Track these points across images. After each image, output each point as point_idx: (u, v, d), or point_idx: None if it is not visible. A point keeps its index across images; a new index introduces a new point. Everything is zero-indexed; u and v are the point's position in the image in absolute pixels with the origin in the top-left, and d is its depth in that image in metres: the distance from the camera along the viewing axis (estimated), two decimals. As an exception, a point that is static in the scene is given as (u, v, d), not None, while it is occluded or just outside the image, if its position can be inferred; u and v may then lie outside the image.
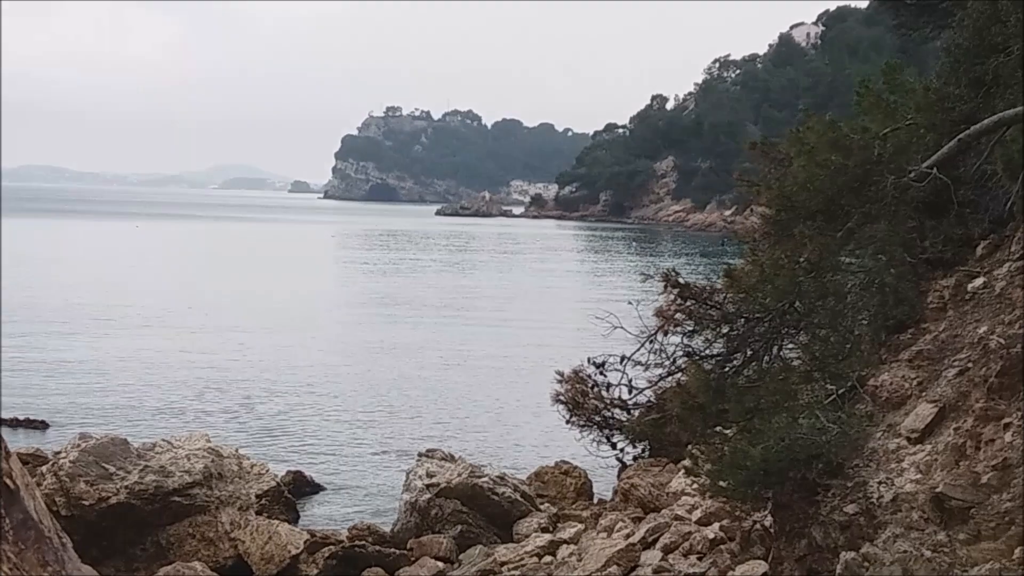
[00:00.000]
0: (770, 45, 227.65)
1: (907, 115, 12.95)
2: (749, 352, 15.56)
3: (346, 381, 40.36)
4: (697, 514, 17.49)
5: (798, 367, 13.52)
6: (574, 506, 23.09)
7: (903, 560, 9.42)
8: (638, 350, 20.36)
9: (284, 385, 38.96)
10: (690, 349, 18.06)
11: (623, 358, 21.31)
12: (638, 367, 20.81)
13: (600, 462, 24.18)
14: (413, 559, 20.27)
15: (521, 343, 50.86)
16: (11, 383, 35.92)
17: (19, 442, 27.65)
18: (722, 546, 15.68)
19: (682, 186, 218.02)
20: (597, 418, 22.83)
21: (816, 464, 10.64)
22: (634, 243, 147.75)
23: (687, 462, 14.51)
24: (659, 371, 20.40)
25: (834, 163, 12.47)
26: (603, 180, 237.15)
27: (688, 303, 18.19)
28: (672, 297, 18.74)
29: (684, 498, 18.89)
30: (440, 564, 19.94)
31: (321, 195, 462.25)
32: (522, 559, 19.12)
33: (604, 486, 24.84)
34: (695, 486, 15.66)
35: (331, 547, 20.40)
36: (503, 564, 19.15)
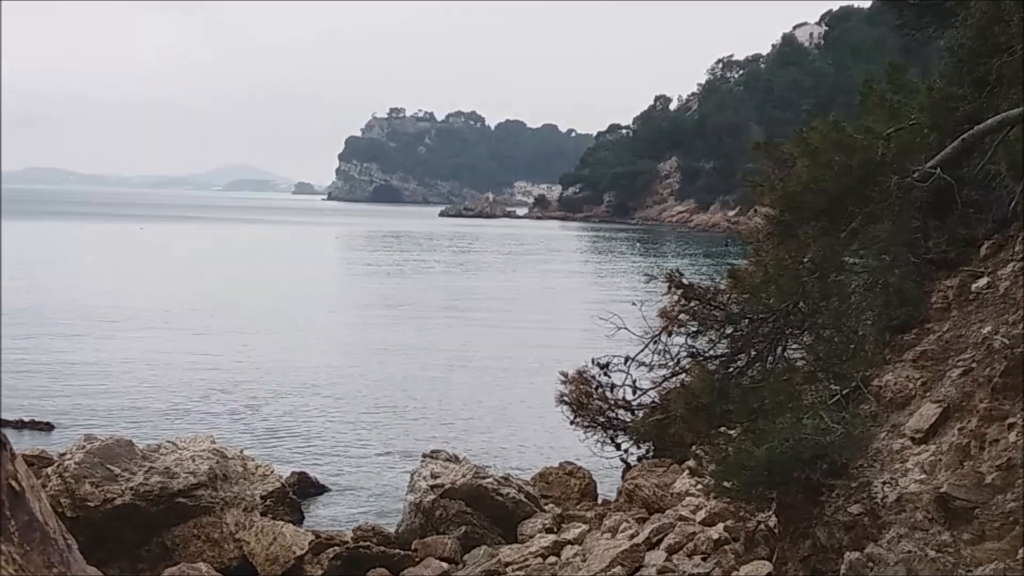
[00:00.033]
0: (773, 45, 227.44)
1: (911, 115, 12.94)
2: (753, 353, 15.56)
3: (350, 382, 40.37)
4: (701, 515, 17.50)
5: (802, 367, 13.52)
6: (578, 507, 23.10)
7: (907, 560, 9.42)
8: (642, 351, 20.34)
9: (289, 386, 38.98)
10: (694, 350, 18.06)
11: (627, 359, 21.30)
12: (642, 368, 20.79)
13: (604, 463, 24.16)
14: (417, 560, 20.28)
15: (525, 344, 50.85)
16: (16, 385, 35.98)
17: (24, 444, 27.70)
18: (726, 546, 15.69)
19: (686, 187, 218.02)
20: (601, 419, 22.81)
21: (820, 464, 10.64)
22: (638, 244, 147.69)
23: (691, 463, 14.55)
24: (663, 372, 20.38)
25: (838, 163, 12.47)
26: (607, 181, 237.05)
27: (692, 304, 18.19)
28: (676, 298, 18.73)
29: (688, 499, 18.90)
30: (444, 565, 19.96)
31: (325, 196, 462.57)
32: (526, 560, 19.13)
33: (608, 487, 24.86)
34: (699, 487, 15.67)
35: (336, 548, 20.42)
36: (507, 565, 19.16)
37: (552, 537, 19.99)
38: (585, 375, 22.90)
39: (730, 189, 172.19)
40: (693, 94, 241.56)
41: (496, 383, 40.97)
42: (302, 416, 34.53)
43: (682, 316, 18.54)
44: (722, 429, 13.75)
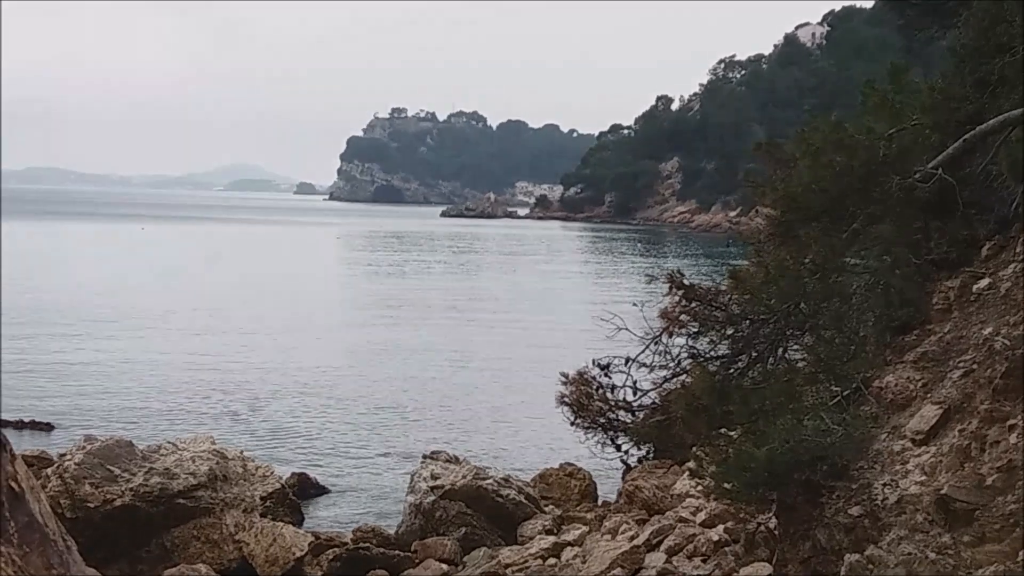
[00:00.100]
0: (775, 45, 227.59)
1: (912, 115, 12.91)
2: (754, 354, 15.58)
3: (351, 382, 40.34)
4: (701, 516, 17.47)
5: (803, 368, 13.51)
6: (578, 508, 23.06)
7: (907, 562, 9.39)
8: (643, 352, 20.39)
9: (289, 387, 38.95)
10: (695, 351, 18.10)
11: (628, 360, 21.34)
12: (643, 369, 20.83)
13: (605, 464, 24.18)
14: (417, 561, 20.25)
15: (526, 344, 50.84)
16: (16, 385, 35.97)
17: (24, 444, 27.66)
18: (726, 548, 15.65)
19: (687, 187, 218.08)
20: (602, 420, 22.84)
21: (821, 466, 10.62)
22: (639, 244, 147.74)
23: (692, 464, 14.55)
24: (664, 373, 20.43)
25: (839, 164, 12.45)
26: (608, 181, 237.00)
27: (693, 305, 18.22)
28: (677, 298, 18.77)
29: (688, 500, 18.87)
30: (444, 566, 19.93)
31: (326, 196, 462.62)
32: (526, 561, 19.10)
33: (609, 488, 24.82)
34: (699, 488, 15.68)
35: (335, 549, 20.39)
36: (507, 566, 19.12)
37: (552, 539, 19.96)
38: (586, 376, 22.93)
39: (731, 189, 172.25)
40: (695, 94, 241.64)
41: (496, 384, 40.93)
42: (302, 417, 34.50)
43: (683, 317, 18.57)
44: (723, 430, 13.75)
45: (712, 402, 14.25)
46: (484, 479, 22.09)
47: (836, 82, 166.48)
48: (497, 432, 33.32)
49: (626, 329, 20.97)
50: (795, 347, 15.10)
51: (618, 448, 23.32)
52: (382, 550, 20.43)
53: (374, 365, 44.65)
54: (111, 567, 18.96)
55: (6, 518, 6.64)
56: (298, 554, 20.10)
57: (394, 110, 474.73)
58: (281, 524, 21.20)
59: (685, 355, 18.86)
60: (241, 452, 23.40)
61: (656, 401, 21.50)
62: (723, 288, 17.30)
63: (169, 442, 22.32)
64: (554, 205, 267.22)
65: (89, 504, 19.73)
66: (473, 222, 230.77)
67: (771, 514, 13.21)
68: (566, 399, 22.95)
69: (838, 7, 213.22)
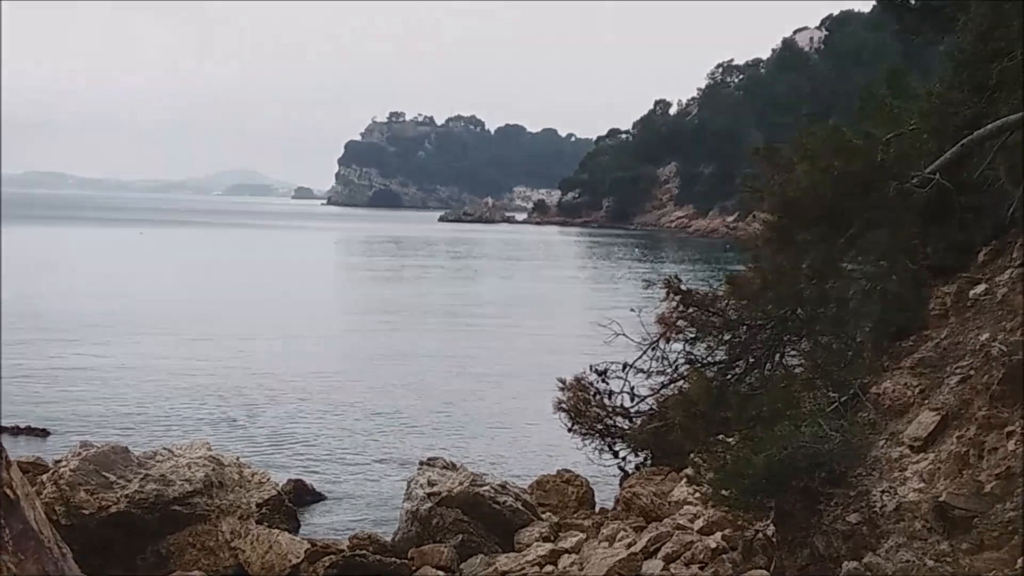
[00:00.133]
0: (773, 50, 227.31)
1: (910, 120, 12.92)
2: (751, 359, 15.55)
3: (347, 389, 40.27)
4: (699, 523, 17.43)
5: (800, 374, 13.49)
6: (576, 515, 23.01)
7: (906, 570, 9.35)
8: (640, 357, 20.34)
9: (285, 393, 38.88)
10: (692, 356, 18.05)
11: (625, 365, 21.28)
12: (640, 374, 20.79)
13: (602, 471, 24.12)
14: (414, 568, 20.21)
15: (523, 350, 50.81)
16: (12, 391, 35.93)
17: (20, 450, 27.60)
18: (724, 555, 15.61)
19: (685, 192, 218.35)
20: (599, 426, 22.79)
21: (819, 473, 10.59)
22: (636, 249, 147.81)
23: (689, 471, 14.49)
24: (661, 379, 20.38)
25: (837, 169, 12.44)
26: (606, 186, 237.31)
27: (690, 310, 18.18)
28: (674, 304, 18.72)
29: (686, 507, 18.83)
30: (441, 573, 19.90)
31: (324, 201, 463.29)
32: (523, 568, 19.06)
33: (606, 495, 24.77)
34: (697, 495, 15.63)
35: (331, 556, 20.33)
36: (504, 573, 19.09)
37: (549, 546, 19.91)
38: (583, 382, 22.88)
39: (729, 194, 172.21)
40: (693, 99, 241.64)
41: (493, 390, 40.89)
42: (299, 423, 34.45)
43: (680, 323, 18.53)
44: (720, 437, 13.72)
45: (710, 408, 14.22)
46: (481, 486, 22.04)
47: (834, 87, 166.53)
48: (494, 438, 33.28)
49: (623, 335, 20.93)
50: (792, 353, 15.08)
51: (615, 455, 23.27)
52: (378, 557, 20.38)
53: (371, 371, 44.60)
54: (106, 574, 18.90)
55: (1, 525, 6.60)
56: (294, 561, 20.05)
57: (392, 114, 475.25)
58: (277, 531, 21.16)
59: (682, 361, 18.82)
60: (237, 458, 23.36)
61: (654, 407, 21.46)
62: (720, 293, 17.25)
63: (165, 448, 22.27)
64: (552, 210, 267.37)
65: (84, 511, 19.69)
66: (471, 227, 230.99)
67: (769, 521, 13.17)
68: (563, 405, 22.90)
69: (836, 11, 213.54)
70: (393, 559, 20.45)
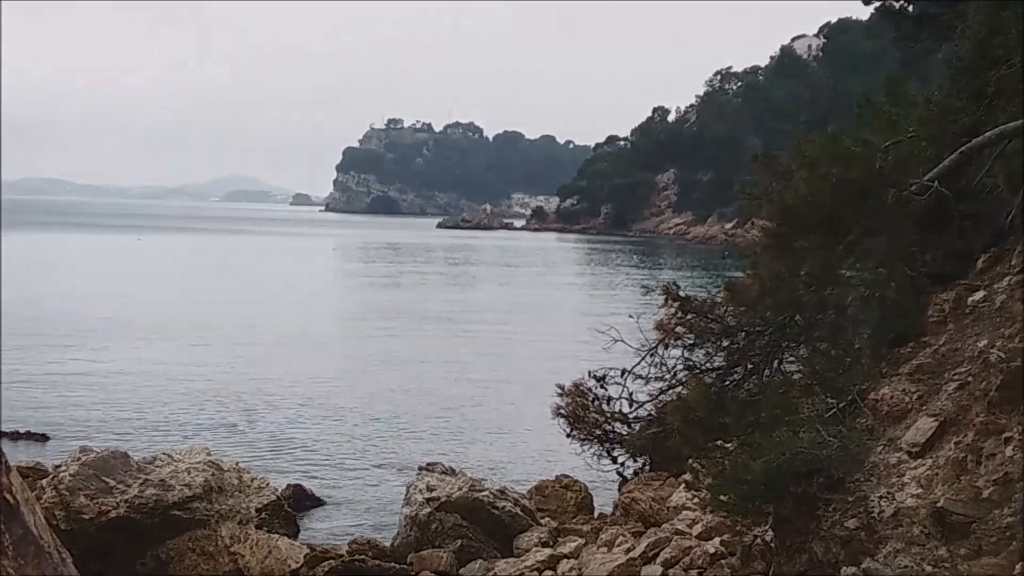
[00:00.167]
0: (771, 57, 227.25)
1: (908, 128, 12.94)
2: (750, 366, 15.56)
3: (346, 394, 40.29)
4: (698, 528, 17.45)
5: (799, 381, 13.51)
6: (574, 520, 23.02)
7: (904, 575, 9.39)
8: (639, 363, 20.35)
9: (284, 398, 38.89)
10: (691, 362, 18.07)
11: (624, 371, 21.29)
12: (639, 380, 20.79)
13: (601, 476, 24.13)
14: (413, 573, 20.21)
15: (522, 356, 50.85)
16: (12, 395, 35.92)
17: (19, 455, 27.62)
18: (723, 561, 15.64)
19: (683, 198, 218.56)
20: (598, 432, 22.78)
21: (817, 478, 10.62)
22: (635, 256, 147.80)
23: (688, 476, 14.52)
24: (660, 385, 20.39)
25: (835, 176, 12.46)
26: (604, 193, 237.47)
27: (689, 316, 18.20)
28: (673, 310, 18.74)
29: (685, 512, 18.84)
30: (440, 578, 19.92)
31: (322, 208, 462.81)
32: (522, 573, 19.07)
33: (605, 500, 24.79)
34: (696, 500, 15.66)
35: (331, 561, 20.34)
36: (503, 578, 19.12)
37: (548, 551, 19.92)
38: (582, 388, 22.88)
39: (728, 201, 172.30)
40: (691, 106, 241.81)
41: (492, 395, 40.91)
42: (298, 428, 34.46)
43: (679, 329, 18.55)
44: (718, 442, 13.73)
45: (708, 414, 14.24)
46: (480, 491, 22.05)
47: (832, 94, 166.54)
48: (493, 444, 33.30)
49: (622, 341, 20.93)
50: (791, 359, 15.10)
51: (614, 460, 23.26)
52: (378, 562, 20.40)
53: (370, 376, 44.62)
54: (106, 579, 18.93)
55: (1, 531, 6.62)
56: (293, 566, 20.07)
57: (390, 121, 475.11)
58: (276, 536, 21.17)
59: (681, 367, 18.84)
60: (236, 463, 23.35)
61: (652, 413, 21.46)
62: (719, 300, 17.26)
63: (164, 453, 22.28)
64: (550, 217, 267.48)
65: (84, 516, 19.69)
66: (469, 233, 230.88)
67: (767, 527, 13.19)
68: (562, 411, 22.90)
69: (834, 19, 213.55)
70: (392, 564, 20.46)
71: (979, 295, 11.19)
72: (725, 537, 16.20)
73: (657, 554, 17.02)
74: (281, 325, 60.19)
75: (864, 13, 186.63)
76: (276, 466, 29.36)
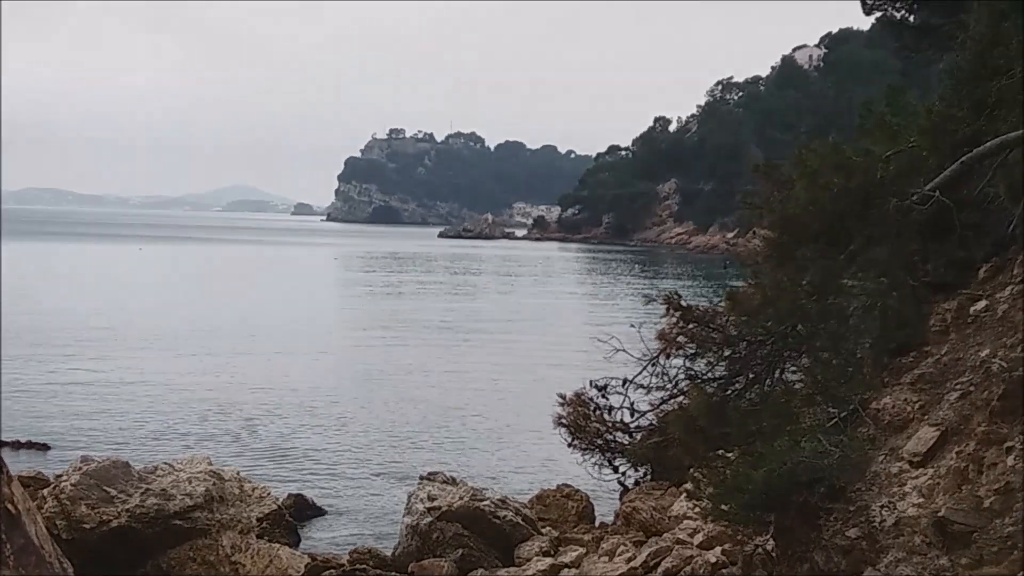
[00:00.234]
0: (773, 67, 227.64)
1: (910, 137, 12.95)
2: (751, 375, 15.54)
3: (348, 403, 40.28)
4: (699, 538, 17.44)
5: (800, 390, 13.50)
6: (576, 530, 23.02)
7: (906, 584, 9.38)
8: (640, 373, 20.31)
9: (286, 408, 38.88)
10: (692, 372, 18.03)
11: (625, 381, 21.25)
12: (640, 390, 20.75)
13: (602, 485, 24.10)
14: (414, 583, 20.23)
15: (523, 365, 50.80)
16: (12, 405, 35.91)
17: (21, 464, 27.59)
18: (724, 570, 15.63)
19: (684, 208, 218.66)
20: (599, 441, 22.74)
21: (818, 488, 10.61)
22: (636, 265, 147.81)
23: (689, 486, 14.49)
24: (661, 394, 20.35)
25: (837, 186, 12.47)
26: (606, 202, 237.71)
27: (690, 326, 18.16)
28: (674, 320, 18.70)
29: (686, 522, 18.83)
30: (442, 587, 19.91)
31: (324, 217, 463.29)
32: (524, 582, 19.07)
33: (606, 510, 24.78)
34: (697, 510, 15.62)
35: (332, 571, 20.34)
36: (504, 587, 19.11)
37: (549, 560, 19.91)
38: (583, 397, 22.85)
39: (729, 211, 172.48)
40: (693, 116, 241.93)
41: (493, 405, 40.89)
42: (299, 437, 34.44)
43: (680, 338, 18.51)
44: (720, 452, 13.73)
45: (709, 424, 14.23)
46: (481, 500, 22.04)
47: (833, 104, 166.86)
48: (494, 453, 33.28)
49: (623, 350, 20.90)
50: (792, 369, 15.08)
51: (615, 469, 23.23)
52: (379, 571, 20.40)
53: (371, 385, 44.63)
54: (107, 588, 18.91)
55: (2, 540, 6.63)
56: (294, 575, 20.05)
57: (392, 131, 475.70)
58: (277, 545, 21.15)
59: (682, 376, 18.79)
60: (238, 473, 23.32)
61: (653, 422, 21.42)
62: (720, 309, 17.24)
63: (165, 463, 22.24)
64: (552, 226, 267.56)
65: (85, 525, 19.66)
66: (471, 243, 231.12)
67: (769, 536, 13.18)
68: (563, 420, 22.87)
69: (835, 29, 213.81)
70: (393, 573, 20.46)
71: (981, 305, 11.19)
72: (726, 546, 16.19)
73: (658, 563, 17.00)
74: (282, 334, 60.20)
75: (865, 23, 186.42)
76: (277, 475, 29.35)
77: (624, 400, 21.79)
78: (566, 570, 19.18)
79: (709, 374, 16.90)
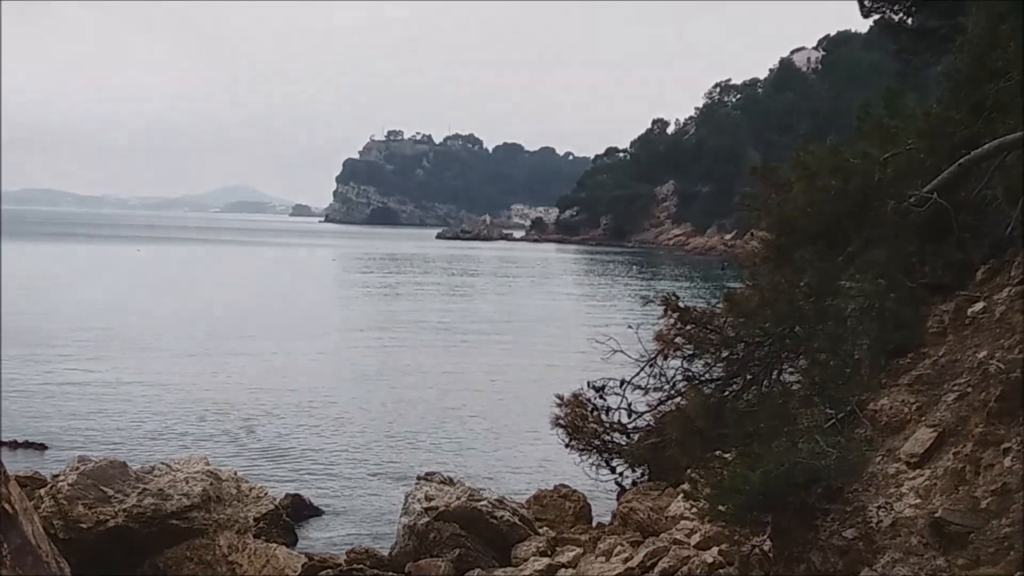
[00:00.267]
0: (771, 70, 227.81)
1: (907, 140, 12.96)
2: (749, 376, 15.57)
3: (345, 404, 40.26)
4: (696, 538, 17.45)
5: (798, 391, 13.51)
6: (573, 530, 23.02)
7: (902, 585, 9.38)
8: (638, 374, 20.34)
9: (283, 408, 38.85)
10: (690, 373, 18.06)
11: (623, 382, 21.28)
12: (638, 391, 20.78)
13: (599, 486, 24.11)
14: (411, 583, 20.23)
15: (521, 366, 50.79)
16: (9, 405, 35.87)
17: (18, 464, 27.56)
18: (721, 571, 15.64)
19: (682, 210, 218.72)
20: (596, 442, 22.77)
21: (815, 488, 10.61)
22: (634, 267, 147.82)
23: (686, 486, 14.49)
24: (659, 395, 20.38)
25: (834, 188, 12.49)
26: (604, 204, 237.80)
27: (688, 327, 18.20)
28: (672, 321, 18.74)
29: (683, 522, 18.84)
30: (438, 587, 19.91)
31: (322, 219, 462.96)
32: (521, 583, 19.08)
33: (603, 510, 24.78)
34: (694, 510, 15.62)
35: (329, 571, 20.34)
36: (501, 588, 19.11)
37: (546, 560, 19.92)
38: (580, 398, 22.87)
39: (727, 212, 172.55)
40: (691, 118, 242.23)
41: (491, 405, 40.86)
42: (296, 438, 34.42)
43: (678, 339, 18.54)
44: (717, 453, 13.73)
45: (707, 424, 14.25)
46: (478, 501, 22.05)
47: (831, 106, 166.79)
48: (491, 453, 33.27)
49: (621, 351, 20.93)
50: (790, 370, 15.10)
51: (613, 470, 23.26)
52: (376, 571, 20.39)
53: (369, 386, 44.61)
54: (104, 587, 18.90)
55: (0, 540, 6.62)
56: (291, 575, 20.04)
57: (390, 133, 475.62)
58: (274, 545, 21.15)
59: (680, 377, 18.82)
60: (235, 473, 23.32)
61: (651, 423, 21.45)
62: (718, 311, 17.27)
63: (163, 463, 22.24)
64: (550, 228, 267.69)
65: (82, 525, 19.65)
66: (469, 244, 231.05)
67: (765, 536, 13.18)
68: (561, 421, 22.89)
69: (833, 32, 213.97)
70: (390, 573, 20.46)
71: (978, 306, 11.20)
72: (723, 547, 16.20)
73: (655, 564, 17.01)
74: (280, 335, 60.18)
75: (863, 26, 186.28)
76: (274, 475, 29.34)
77: (622, 401, 21.82)
78: (563, 570, 19.18)
79: (707, 375, 16.94)
